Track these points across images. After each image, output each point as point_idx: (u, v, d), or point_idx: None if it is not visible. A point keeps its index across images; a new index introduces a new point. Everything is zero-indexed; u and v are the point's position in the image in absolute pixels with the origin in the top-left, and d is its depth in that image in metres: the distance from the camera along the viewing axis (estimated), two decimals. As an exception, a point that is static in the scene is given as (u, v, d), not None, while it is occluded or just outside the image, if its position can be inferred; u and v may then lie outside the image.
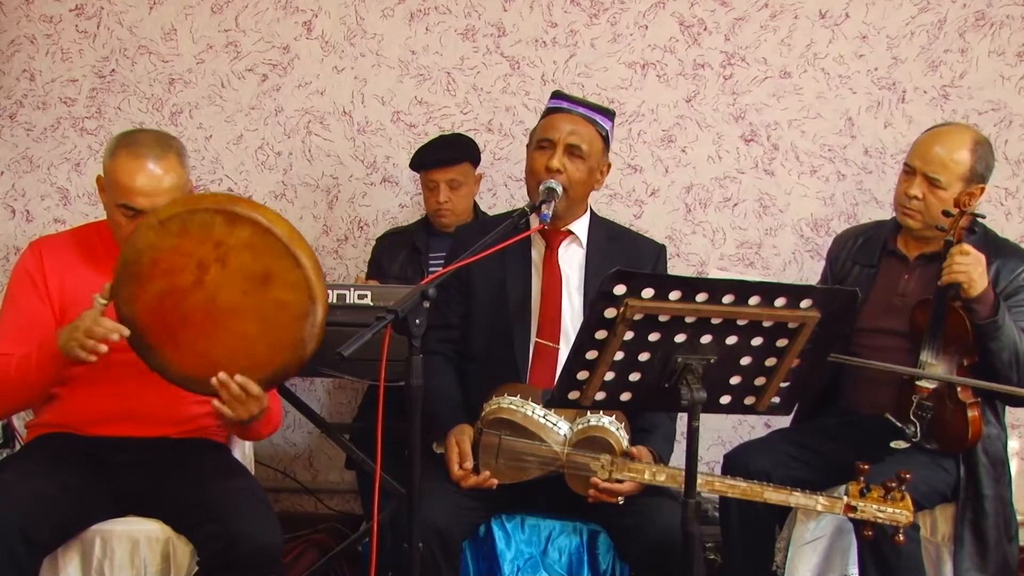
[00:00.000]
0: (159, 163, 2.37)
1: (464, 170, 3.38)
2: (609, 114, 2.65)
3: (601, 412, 2.40)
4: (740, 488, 2.36)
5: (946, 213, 2.58)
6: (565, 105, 2.62)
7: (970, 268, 2.51)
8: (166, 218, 2.15)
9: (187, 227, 2.14)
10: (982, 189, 2.70)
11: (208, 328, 2.18)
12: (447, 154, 3.37)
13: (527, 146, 2.66)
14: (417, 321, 2.00)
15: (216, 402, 2.23)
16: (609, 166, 2.70)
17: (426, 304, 2.01)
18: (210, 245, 2.14)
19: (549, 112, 2.63)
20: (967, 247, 2.53)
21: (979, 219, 2.65)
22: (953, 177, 2.66)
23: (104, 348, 2.18)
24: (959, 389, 2.60)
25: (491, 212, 3.56)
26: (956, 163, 2.66)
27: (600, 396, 2.05)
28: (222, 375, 2.20)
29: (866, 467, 2.31)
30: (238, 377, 2.20)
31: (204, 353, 2.20)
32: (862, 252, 2.89)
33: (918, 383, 2.62)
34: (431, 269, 3.39)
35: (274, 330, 2.18)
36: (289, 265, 2.14)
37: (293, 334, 2.18)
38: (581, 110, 2.61)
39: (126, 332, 2.19)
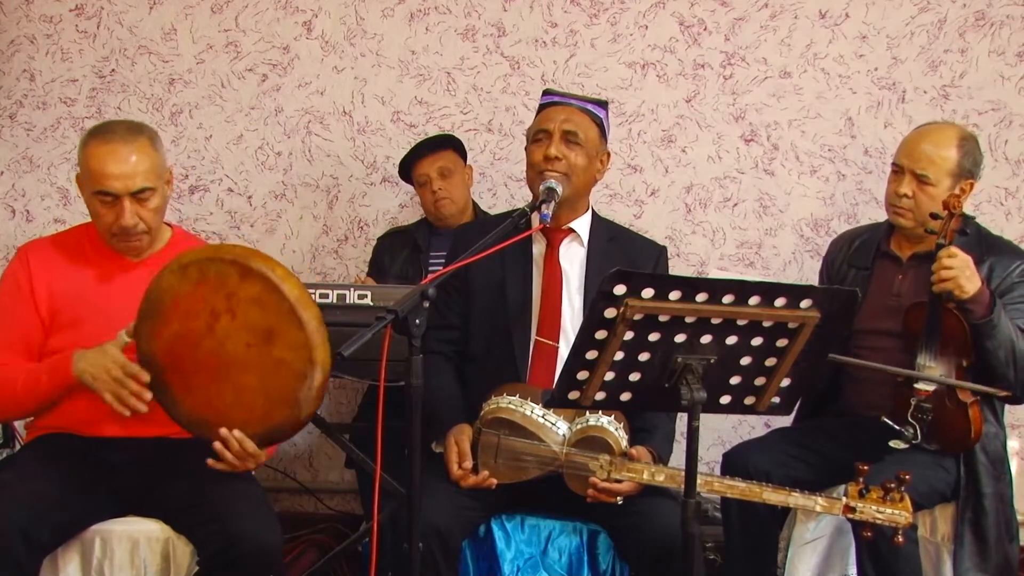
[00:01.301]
0: (129, 146, 2.41)
1: (450, 157, 3.39)
2: (601, 104, 2.66)
3: (600, 412, 2.40)
4: (739, 488, 2.36)
5: (935, 216, 2.59)
6: (556, 99, 2.64)
7: (958, 273, 2.51)
8: (187, 263, 2.21)
9: (205, 274, 2.19)
10: (971, 184, 2.71)
11: (216, 376, 2.22)
12: (429, 144, 3.40)
13: (525, 147, 2.67)
14: (417, 321, 2.00)
15: (211, 460, 2.26)
16: (609, 155, 2.70)
17: (426, 304, 2.01)
18: (223, 295, 2.18)
19: (542, 107, 2.65)
20: (954, 250, 2.53)
21: (971, 219, 2.64)
22: (941, 173, 2.67)
23: (143, 408, 2.27)
24: (959, 390, 2.60)
25: (491, 212, 3.56)
26: (943, 159, 2.68)
27: (600, 396, 2.05)
28: (224, 432, 2.23)
29: (865, 468, 2.31)
30: (236, 433, 2.23)
31: (209, 399, 2.24)
32: (857, 255, 2.90)
33: (916, 385, 2.62)
34: (431, 268, 3.39)
35: (272, 385, 2.20)
36: (293, 326, 2.15)
37: (290, 392, 2.19)
38: (573, 102, 2.63)
39: (146, 378, 2.26)
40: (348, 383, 3.69)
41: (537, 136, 2.59)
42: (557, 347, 2.57)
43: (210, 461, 2.27)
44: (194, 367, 2.22)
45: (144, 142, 2.44)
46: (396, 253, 3.45)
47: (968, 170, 2.70)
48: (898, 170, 2.75)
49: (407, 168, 3.44)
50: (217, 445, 2.24)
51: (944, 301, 2.56)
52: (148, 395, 2.26)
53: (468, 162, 3.50)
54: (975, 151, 2.73)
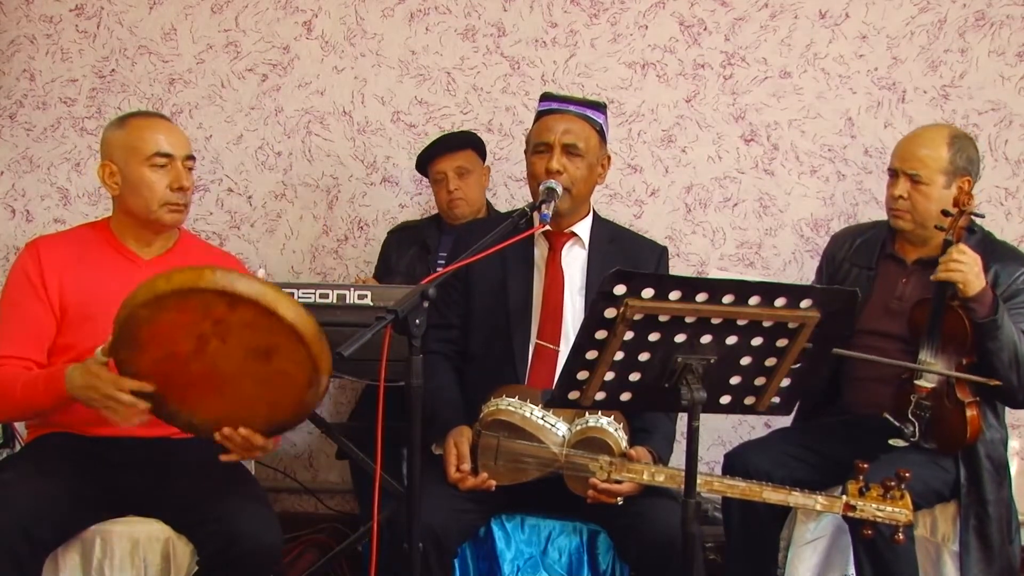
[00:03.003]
0: (169, 121, 2.58)
1: (469, 157, 3.39)
2: (600, 107, 2.66)
3: (600, 413, 2.40)
4: (739, 488, 2.36)
5: (945, 213, 2.59)
6: (555, 105, 2.62)
7: (966, 268, 2.51)
8: (162, 295, 2.08)
9: (185, 303, 2.08)
10: (969, 182, 2.72)
11: (211, 391, 2.18)
12: (450, 142, 3.40)
13: (525, 152, 2.67)
14: (417, 321, 2.00)
15: (223, 456, 2.26)
16: (609, 158, 2.70)
17: (426, 304, 2.01)
18: (210, 322, 2.10)
19: (541, 115, 2.64)
20: (964, 247, 2.54)
21: (978, 219, 2.65)
22: (933, 171, 2.69)
23: (139, 421, 2.22)
24: (957, 388, 2.60)
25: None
26: (933, 158, 2.69)
27: (600, 396, 2.05)
28: (226, 430, 2.21)
29: (865, 465, 2.31)
30: (242, 430, 2.22)
31: (208, 408, 2.21)
32: (860, 254, 2.90)
33: (916, 382, 2.63)
34: (439, 267, 3.38)
35: (277, 395, 2.18)
36: (293, 343, 2.10)
37: (296, 398, 2.17)
38: (572, 108, 2.61)
39: (149, 388, 2.18)
40: (348, 383, 3.69)
41: (538, 148, 2.59)
42: (557, 351, 2.57)
43: (222, 456, 2.26)
44: (186, 383, 2.18)
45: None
46: (404, 250, 3.45)
47: (962, 167, 2.70)
48: (893, 174, 2.78)
49: (424, 162, 3.44)
50: (219, 438, 2.23)
51: (948, 298, 2.56)
52: (143, 405, 2.19)
53: (490, 165, 3.51)
54: (967, 148, 2.73)
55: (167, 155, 2.47)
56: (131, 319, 2.11)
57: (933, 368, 2.60)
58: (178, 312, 2.09)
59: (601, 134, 2.63)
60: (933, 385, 2.62)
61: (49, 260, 2.47)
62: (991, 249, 2.70)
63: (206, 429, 2.24)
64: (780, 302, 1.95)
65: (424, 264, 3.40)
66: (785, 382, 2.07)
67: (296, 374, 2.13)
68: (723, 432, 3.64)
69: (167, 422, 2.27)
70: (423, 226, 3.50)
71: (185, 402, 2.22)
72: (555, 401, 2.12)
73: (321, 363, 2.13)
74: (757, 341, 1.99)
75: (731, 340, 1.98)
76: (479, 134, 3.54)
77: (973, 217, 2.62)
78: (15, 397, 2.33)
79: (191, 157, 2.54)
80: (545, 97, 2.68)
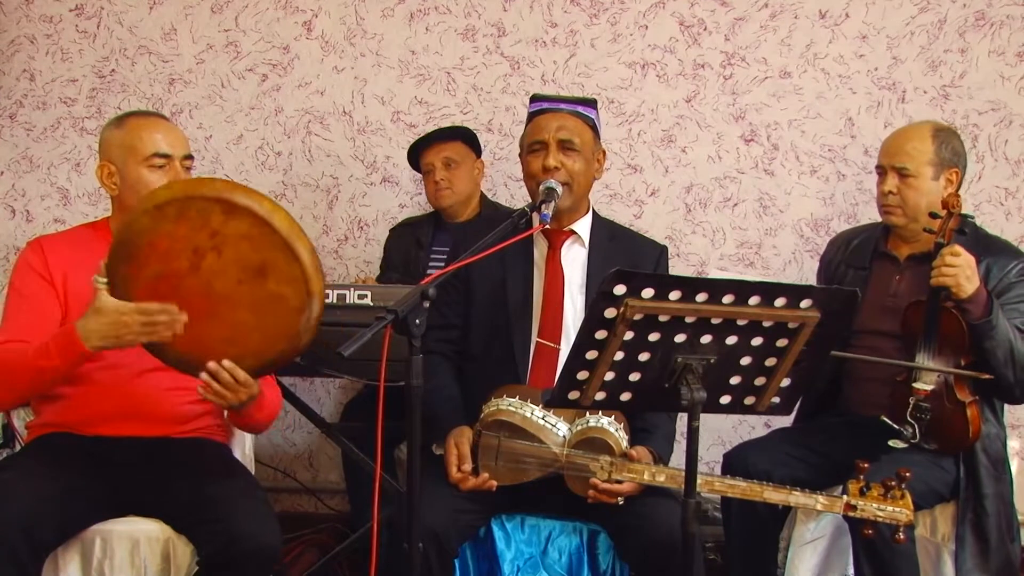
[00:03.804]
0: (167, 121, 2.55)
1: (458, 149, 3.41)
2: (591, 103, 2.67)
3: (600, 413, 2.40)
4: (740, 488, 2.36)
5: (933, 215, 2.59)
6: (546, 105, 2.63)
7: (959, 271, 2.51)
8: (162, 202, 2.11)
9: (184, 213, 2.10)
10: (957, 174, 2.74)
11: (204, 313, 2.16)
12: (439, 134, 3.43)
13: (520, 155, 2.67)
14: (417, 321, 1.99)
15: (200, 388, 2.22)
16: (604, 153, 2.71)
17: (426, 304, 2.01)
18: (206, 233, 2.10)
19: (532, 116, 2.64)
20: (958, 249, 2.54)
21: (969, 219, 2.65)
22: (919, 164, 2.72)
23: (178, 329, 2.16)
24: (957, 389, 2.60)
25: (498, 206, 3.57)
26: (920, 150, 2.72)
27: (600, 396, 2.05)
28: (212, 365, 2.19)
29: (865, 465, 2.31)
30: (226, 362, 2.19)
31: (200, 337, 2.18)
32: (854, 255, 2.91)
33: (915, 385, 2.63)
34: (432, 263, 3.41)
35: (269, 321, 2.16)
36: (286, 258, 2.10)
37: (288, 326, 2.16)
38: (563, 106, 2.63)
39: (173, 307, 2.14)
40: (348, 383, 3.69)
41: (533, 147, 2.59)
42: (558, 349, 2.57)
43: (199, 389, 2.22)
44: (179, 306, 2.15)
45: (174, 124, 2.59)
46: (401, 246, 3.48)
47: (948, 159, 2.73)
48: (881, 171, 2.81)
49: (415, 156, 3.46)
50: (204, 376, 2.20)
51: (942, 300, 2.57)
52: (182, 316, 2.14)
53: (485, 160, 3.53)
54: (952, 140, 2.76)
55: (165, 155, 2.46)
56: (130, 229, 2.12)
57: (936, 367, 2.60)
58: (176, 222, 2.10)
59: (594, 129, 2.64)
60: (932, 387, 2.62)
61: (54, 256, 2.47)
62: (984, 244, 2.71)
63: (195, 363, 2.20)
64: (780, 302, 1.95)
65: (417, 259, 3.41)
66: (785, 382, 2.07)
67: (289, 296, 2.12)
68: (723, 432, 3.64)
69: (156, 354, 2.24)
70: (420, 222, 3.52)
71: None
72: (555, 401, 2.12)
73: (313, 283, 2.12)
74: (757, 341, 1.99)
75: (731, 340, 1.98)
76: (479, 134, 3.54)
77: (963, 217, 2.62)
78: (26, 365, 2.29)
79: (189, 157, 2.53)
80: (535, 98, 2.69)
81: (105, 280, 2.19)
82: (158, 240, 2.12)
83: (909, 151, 2.73)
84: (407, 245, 3.48)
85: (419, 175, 3.56)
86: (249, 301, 2.14)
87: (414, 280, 3.30)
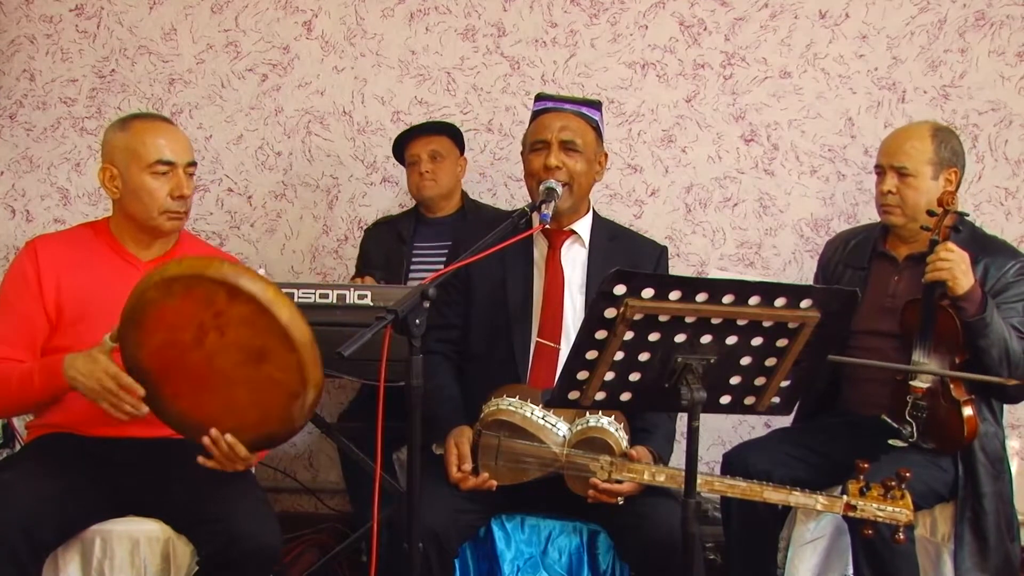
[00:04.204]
0: (172, 125, 2.57)
1: (443, 143, 3.43)
2: (595, 105, 2.67)
3: (600, 413, 2.40)
4: (740, 488, 2.36)
5: (930, 212, 2.60)
6: (551, 104, 2.63)
7: (953, 266, 2.52)
8: (171, 278, 2.14)
9: (191, 291, 2.13)
10: (956, 173, 2.74)
11: (205, 385, 2.19)
12: (426, 127, 3.44)
13: (521, 152, 2.67)
14: (417, 321, 2.00)
15: (201, 458, 2.25)
16: (606, 155, 2.71)
17: (426, 304, 2.01)
18: (211, 313, 2.13)
19: (536, 115, 2.64)
20: (951, 245, 2.55)
21: (964, 217, 2.65)
22: (918, 163, 2.72)
23: (140, 415, 2.24)
24: (952, 387, 2.60)
25: (488, 207, 3.57)
26: (918, 150, 2.73)
27: (600, 396, 2.05)
28: (214, 432, 2.22)
29: (865, 465, 2.31)
30: (228, 437, 2.22)
31: (199, 405, 2.22)
32: (853, 255, 2.91)
33: (912, 383, 2.63)
34: (415, 258, 3.41)
35: (266, 401, 2.18)
36: (285, 347, 2.11)
37: (283, 409, 2.18)
38: (567, 106, 2.62)
39: (141, 392, 2.21)
40: (348, 383, 3.69)
41: (535, 146, 2.59)
42: (558, 349, 2.57)
43: (200, 459, 2.26)
44: (183, 375, 2.20)
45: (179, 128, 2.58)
46: (381, 242, 3.48)
47: (947, 158, 2.73)
48: (880, 171, 2.81)
49: (400, 148, 3.47)
50: (206, 441, 2.23)
51: (937, 298, 2.57)
52: (144, 408, 2.23)
53: (467, 158, 3.52)
54: (951, 140, 2.76)
55: (169, 163, 2.46)
56: (141, 297, 2.16)
57: (928, 368, 2.60)
58: (183, 299, 2.13)
59: (597, 131, 2.64)
60: (928, 385, 2.63)
61: (47, 260, 2.47)
62: (981, 244, 2.71)
63: (195, 429, 2.24)
64: (780, 302, 1.95)
65: (399, 256, 3.41)
66: (785, 382, 2.07)
67: (285, 382, 2.14)
68: (723, 432, 3.64)
69: (159, 416, 2.26)
70: (399, 219, 3.53)
71: (179, 396, 2.22)
72: (555, 401, 2.12)
73: (309, 373, 2.13)
74: (757, 341, 1.99)
75: (731, 340, 1.98)
76: (479, 134, 3.55)
77: (959, 215, 2.62)
78: (10, 388, 2.33)
79: (193, 164, 2.53)
80: (540, 97, 2.69)
81: (113, 344, 2.23)
82: (165, 313, 2.16)
83: (908, 150, 2.73)
84: (388, 241, 3.47)
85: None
86: (247, 381, 2.17)
87: (397, 277, 3.31)
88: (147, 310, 2.16)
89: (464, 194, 3.54)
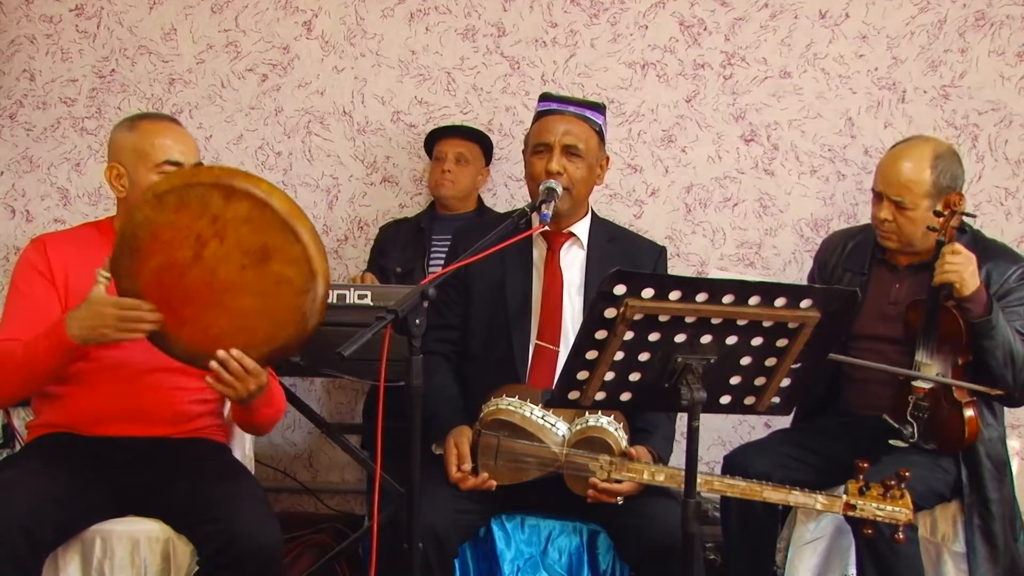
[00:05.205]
0: (179, 125, 2.55)
1: (472, 149, 3.49)
2: (599, 108, 2.66)
3: (600, 412, 2.40)
4: (739, 488, 2.36)
5: (937, 213, 2.60)
6: (555, 106, 2.62)
7: (961, 267, 2.52)
8: (162, 192, 2.12)
9: (184, 201, 2.11)
10: (958, 193, 2.67)
11: (209, 303, 2.16)
12: (461, 129, 3.51)
13: (523, 151, 2.67)
14: (417, 321, 2.00)
15: (209, 378, 2.21)
16: (608, 160, 2.70)
17: (426, 304, 2.01)
18: (207, 220, 2.10)
19: (540, 115, 2.63)
20: (959, 246, 2.55)
21: (968, 218, 2.65)
22: (916, 196, 2.66)
23: (147, 327, 2.18)
24: (954, 388, 2.60)
25: (494, 211, 3.57)
26: (917, 183, 2.66)
27: (600, 396, 2.05)
28: (221, 353, 2.17)
29: (865, 465, 2.31)
30: (234, 351, 2.18)
31: (206, 328, 2.17)
32: (852, 259, 2.90)
33: (914, 383, 2.63)
34: (434, 251, 3.44)
35: (275, 305, 2.15)
36: (288, 239, 2.10)
37: (295, 309, 2.15)
38: (572, 109, 2.61)
39: (147, 305, 2.15)
40: (348, 383, 3.69)
41: (537, 148, 2.59)
42: (557, 351, 2.57)
43: (208, 379, 2.20)
44: (185, 299, 2.15)
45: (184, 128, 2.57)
46: (399, 240, 3.50)
47: (946, 187, 2.67)
48: (877, 196, 2.75)
49: (432, 141, 3.53)
50: (213, 364, 2.18)
51: (943, 299, 2.57)
52: (155, 315, 2.16)
53: (490, 167, 3.57)
54: (952, 166, 2.69)
55: (177, 163, 2.44)
56: (132, 221, 2.13)
57: (930, 375, 2.60)
58: (177, 211, 2.11)
59: (600, 135, 2.63)
60: (930, 385, 2.62)
61: (56, 255, 2.47)
62: (982, 248, 2.70)
63: (202, 355, 2.19)
64: (780, 302, 1.95)
65: (421, 247, 3.44)
66: (785, 382, 2.07)
67: (293, 277, 2.12)
68: (723, 432, 3.64)
69: (164, 349, 2.23)
70: (416, 218, 3.56)
71: (184, 322, 2.18)
72: (555, 401, 2.12)
73: (316, 263, 2.12)
74: (757, 341, 1.99)
75: (731, 340, 1.98)
76: (478, 134, 3.56)
77: (964, 218, 2.61)
78: (16, 361, 2.29)
79: (200, 164, 2.51)
80: (544, 97, 2.68)
81: (108, 276, 2.19)
82: (160, 231, 2.13)
83: (907, 183, 2.66)
84: (407, 234, 3.50)
85: (419, 176, 3.58)
86: (254, 287, 2.14)
87: (418, 268, 3.34)
88: (140, 233, 2.13)
89: (480, 199, 3.57)
